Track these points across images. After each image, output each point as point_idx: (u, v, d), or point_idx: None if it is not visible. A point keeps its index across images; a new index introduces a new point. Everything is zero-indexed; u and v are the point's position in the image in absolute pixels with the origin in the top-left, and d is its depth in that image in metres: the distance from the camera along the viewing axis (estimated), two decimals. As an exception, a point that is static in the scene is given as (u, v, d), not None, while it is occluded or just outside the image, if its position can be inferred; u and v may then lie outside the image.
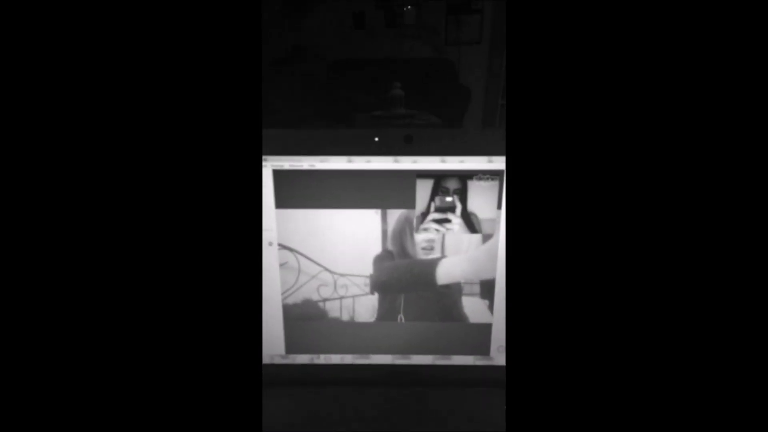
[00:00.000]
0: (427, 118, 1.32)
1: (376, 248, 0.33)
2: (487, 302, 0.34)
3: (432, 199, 0.32)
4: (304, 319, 0.34)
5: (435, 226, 0.32)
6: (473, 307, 0.34)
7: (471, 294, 0.34)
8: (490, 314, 0.34)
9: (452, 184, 0.31)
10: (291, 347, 0.35)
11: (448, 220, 0.32)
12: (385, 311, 0.34)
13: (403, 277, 0.33)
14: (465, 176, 0.31)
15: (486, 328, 0.34)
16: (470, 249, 0.33)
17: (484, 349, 0.35)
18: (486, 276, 0.33)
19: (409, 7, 1.72)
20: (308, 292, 0.33)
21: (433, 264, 0.33)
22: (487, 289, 0.33)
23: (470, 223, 0.32)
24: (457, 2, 1.80)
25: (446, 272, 0.33)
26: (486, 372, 0.35)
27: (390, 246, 0.33)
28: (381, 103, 1.32)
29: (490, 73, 1.94)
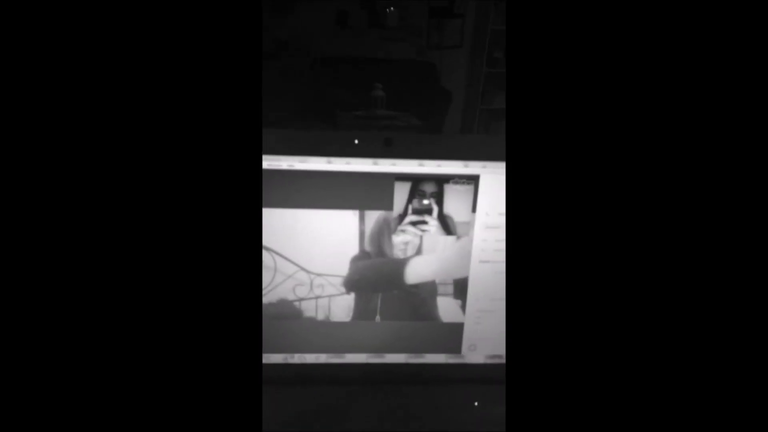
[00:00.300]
0: (408, 119, 1.33)
1: (354, 249, 0.33)
2: (459, 302, 0.35)
3: (410, 201, 0.32)
4: (278, 319, 0.34)
5: (412, 229, 0.33)
6: (446, 307, 0.35)
7: (445, 294, 0.34)
8: (462, 314, 0.35)
9: (429, 188, 0.32)
10: (265, 346, 0.35)
11: (425, 222, 0.33)
12: (362, 311, 0.34)
13: (374, 276, 0.33)
14: (442, 180, 0.32)
15: (458, 328, 0.35)
16: (445, 250, 0.33)
17: (455, 348, 0.36)
18: (456, 275, 0.34)
19: (391, 8, 1.73)
20: (284, 291, 0.34)
21: (403, 263, 0.33)
22: (460, 289, 0.34)
23: (446, 225, 0.33)
24: (440, 6, 1.83)
25: (416, 271, 0.34)
26: (457, 370, 0.36)
27: (368, 247, 0.33)
28: (362, 103, 1.32)
29: (471, 78, 1.98)
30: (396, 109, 1.32)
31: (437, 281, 0.34)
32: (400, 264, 0.33)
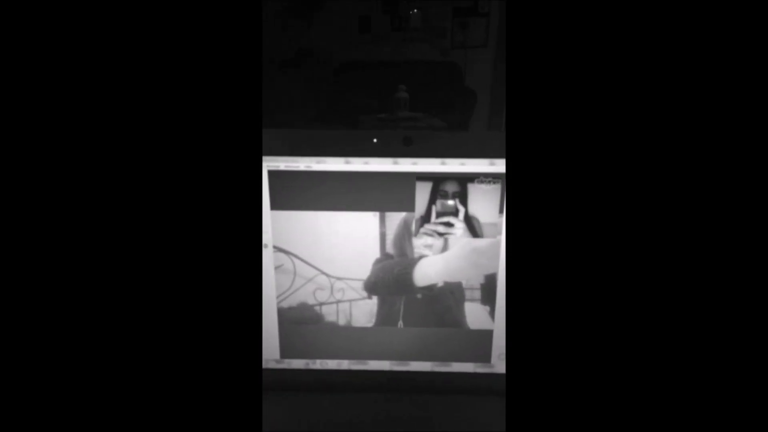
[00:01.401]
0: (432, 121, 1.31)
1: (374, 251, 0.32)
2: (488, 308, 0.33)
3: (432, 202, 0.31)
4: (299, 323, 0.33)
5: (441, 228, 0.31)
6: (474, 313, 0.33)
7: (472, 300, 0.33)
8: (491, 320, 0.33)
9: (452, 187, 0.31)
10: (286, 352, 0.34)
11: (451, 224, 0.31)
12: (385, 316, 0.33)
13: (387, 278, 0.32)
14: (465, 179, 0.30)
15: (487, 335, 0.33)
16: (461, 252, 0.32)
17: (485, 357, 0.34)
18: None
19: (415, 10, 1.73)
20: (304, 295, 0.33)
21: (411, 265, 0.32)
22: (488, 294, 0.32)
23: (472, 227, 0.31)
24: (464, 6, 1.80)
25: (424, 273, 0.32)
26: (487, 380, 0.34)
27: (390, 249, 0.32)
28: (386, 105, 1.32)
29: (496, 77, 1.94)
30: (420, 110, 1.31)
31: (464, 285, 0.32)
32: (407, 266, 0.32)
